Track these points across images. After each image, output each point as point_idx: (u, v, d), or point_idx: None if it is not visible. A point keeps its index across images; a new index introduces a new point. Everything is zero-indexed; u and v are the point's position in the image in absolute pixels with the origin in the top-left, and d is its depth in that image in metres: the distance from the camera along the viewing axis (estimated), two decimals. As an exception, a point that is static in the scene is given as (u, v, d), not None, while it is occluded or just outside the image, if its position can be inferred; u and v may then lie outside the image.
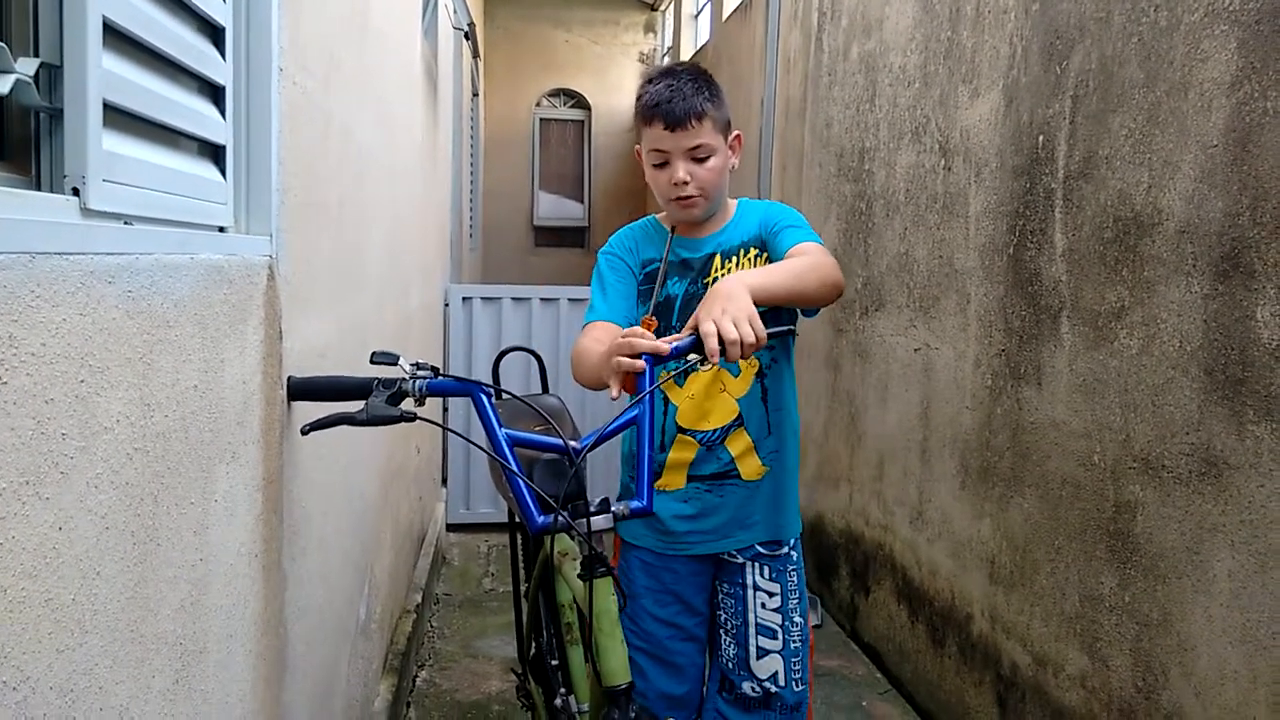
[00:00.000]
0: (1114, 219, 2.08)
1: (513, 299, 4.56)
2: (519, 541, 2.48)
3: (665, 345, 1.46)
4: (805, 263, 1.63)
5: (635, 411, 1.47)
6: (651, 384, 1.44)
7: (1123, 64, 2.05)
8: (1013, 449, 2.48)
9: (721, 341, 1.38)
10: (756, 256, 1.79)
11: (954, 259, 2.80)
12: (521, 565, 2.44)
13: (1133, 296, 2.01)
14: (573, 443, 1.43)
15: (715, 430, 1.82)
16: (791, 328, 1.58)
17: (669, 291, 1.81)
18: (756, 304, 1.45)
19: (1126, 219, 2.04)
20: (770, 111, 4.62)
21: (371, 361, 1.44)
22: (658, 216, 1.89)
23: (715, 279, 1.78)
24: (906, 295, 3.10)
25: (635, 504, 1.44)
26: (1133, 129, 2.02)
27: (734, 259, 1.80)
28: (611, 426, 1.44)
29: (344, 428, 1.88)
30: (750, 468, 1.83)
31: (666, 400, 1.83)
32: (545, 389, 2.50)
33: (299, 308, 1.56)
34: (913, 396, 3.07)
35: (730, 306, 1.43)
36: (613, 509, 1.43)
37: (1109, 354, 2.09)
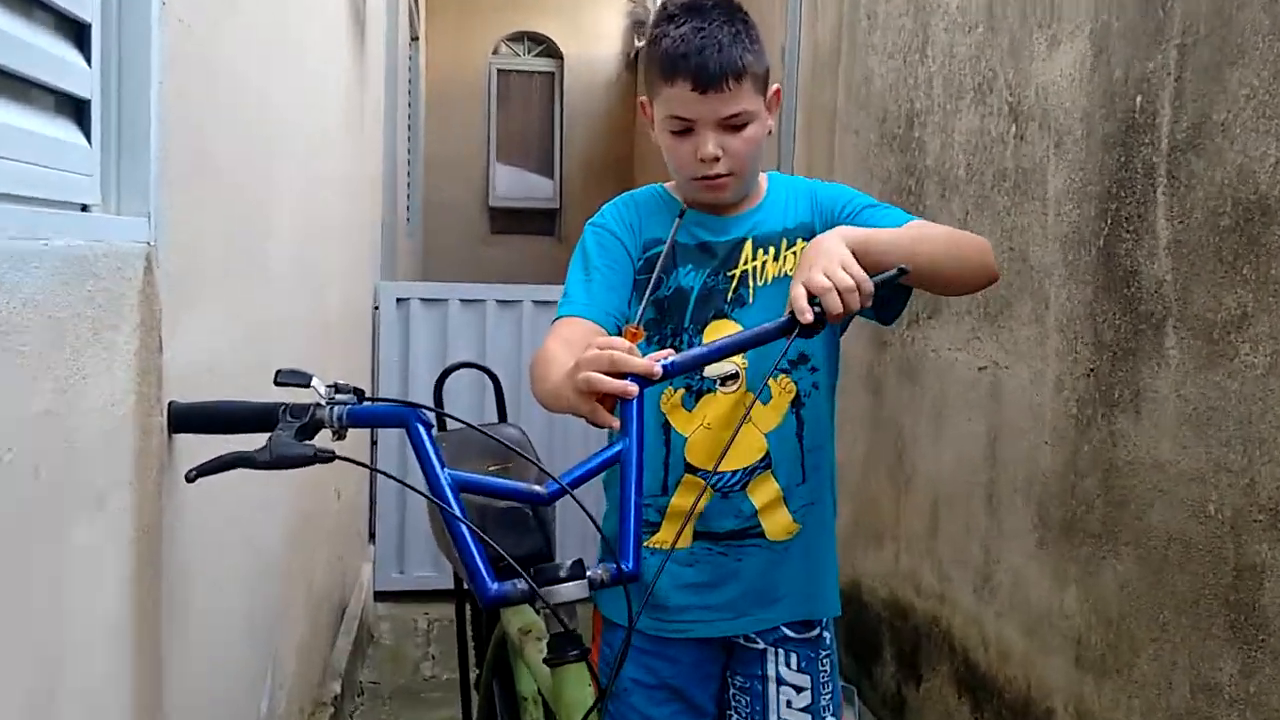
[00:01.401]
0: (1232, 202, 2.07)
1: (461, 301, 4.61)
2: (468, 615, 2.50)
3: (656, 366, 1.47)
4: (942, 230, 1.69)
5: (620, 445, 1.48)
6: (638, 417, 1.45)
7: (1242, 5, 2.05)
8: (1105, 496, 2.48)
9: (813, 299, 1.48)
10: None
11: (1029, 253, 2.80)
12: (471, 646, 2.45)
13: (1257, 301, 2.01)
14: (537, 487, 1.44)
15: (735, 473, 1.81)
16: (903, 270, 1.57)
17: (679, 283, 1.80)
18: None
19: (1249, 202, 2.03)
20: (794, 63, 4.62)
21: (276, 383, 1.46)
22: (668, 186, 1.89)
23: (744, 272, 1.79)
24: (968, 299, 3.10)
25: (618, 567, 1.45)
26: (1256, 87, 2.01)
27: (772, 250, 1.81)
28: (587, 466, 1.45)
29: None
30: (778, 524, 1.83)
31: (669, 428, 1.80)
32: (503, 416, 2.50)
33: (184, 310, 1.56)
34: (976, 428, 3.08)
35: (821, 259, 1.52)
36: (589, 574, 1.44)
37: (1227, 374, 2.09)
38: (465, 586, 2.33)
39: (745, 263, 1.80)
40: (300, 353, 2.62)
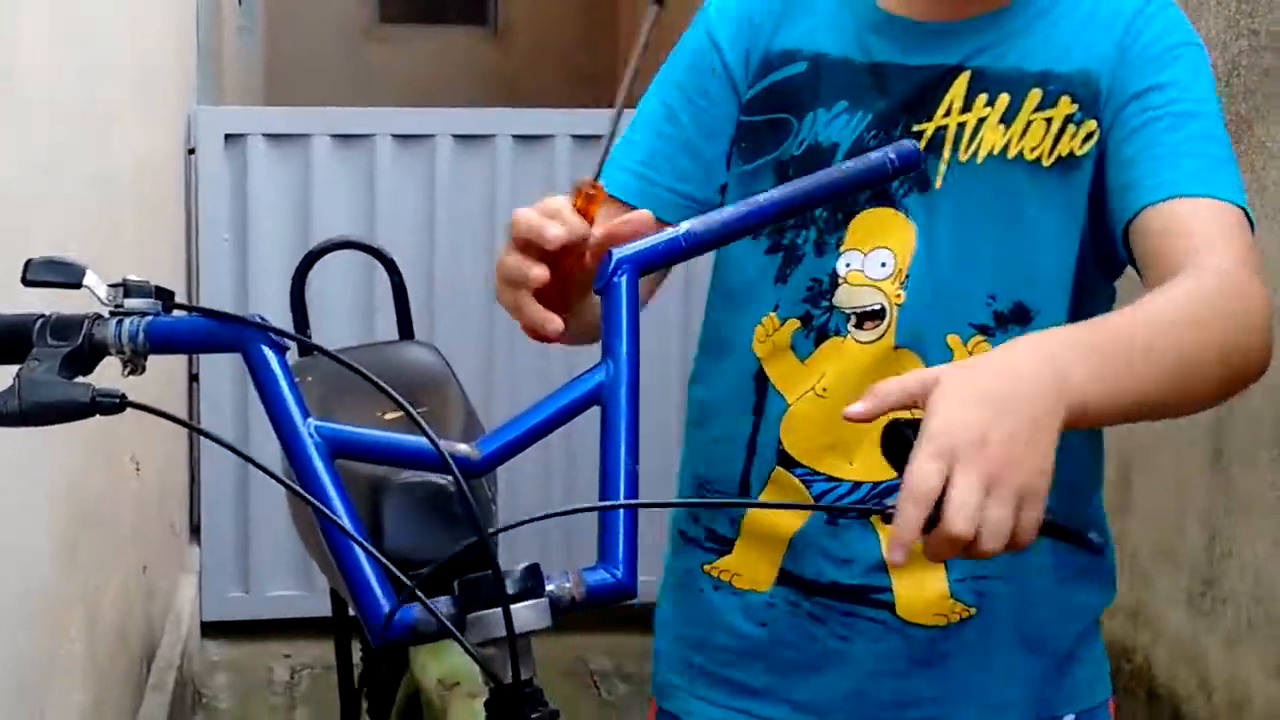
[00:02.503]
0: None
1: (335, 137, 4.47)
2: (356, 658, 2.55)
3: (627, 228, 1.46)
4: (1189, 312, 1.42)
5: (599, 373, 1.46)
6: (629, 317, 1.45)
7: None
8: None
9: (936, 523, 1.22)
10: (1070, 125, 1.58)
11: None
12: (365, 710, 2.49)
13: None
14: (463, 447, 1.43)
15: (857, 486, 1.66)
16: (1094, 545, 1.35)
17: (817, 134, 1.64)
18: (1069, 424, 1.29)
19: None
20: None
21: (25, 280, 1.42)
22: None
23: (940, 130, 1.60)
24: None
25: (598, 575, 1.41)
26: None
27: (1003, 101, 1.60)
28: (541, 412, 1.45)
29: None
30: (920, 597, 1.67)
31: (764, 383, 1.69)
32: (406, 331, 2.54)
33: None
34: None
35: (1010, 447, 1.23)
36: (550, 587, 1.39)
37: None
38: (350, 612, 2.32)
39: (947, 112, 1.61)
40: (65, 234, 2.59)
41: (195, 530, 4.60)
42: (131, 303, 1.43)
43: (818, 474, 1.67)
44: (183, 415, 4.39)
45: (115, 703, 3.19)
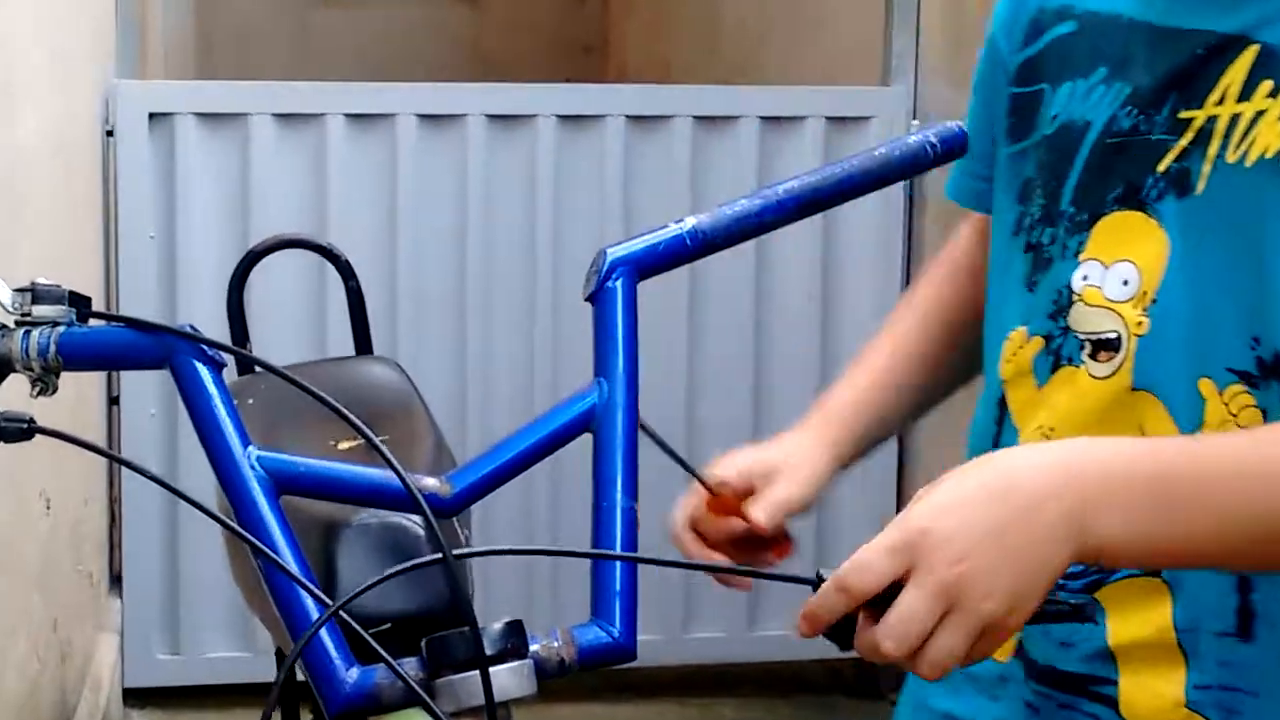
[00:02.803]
0: None
1: (278, 116, 4.44)
2: None
3: (760, 519, 1.66)
4: None
5: (592, 394, 1.48)
6: (625, 336, 1.50)
7: None
8: None
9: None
10: None
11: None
12: None
13: None
14: (431, 481, 1.45)
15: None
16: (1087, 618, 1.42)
17: (1066, 112, 1.63)
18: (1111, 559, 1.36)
19: None
20: None
21: None
22: None
23: (1211, 120, 1.52)
24: None
25: (591, 634, 1.43)
26: None
27: None
28: (528, 439, 1.48)
29: None
30: (1149, 698, 1.60)
31: (1004, 410, 1.69)
32: (363, 344, 2.58)
33: None
34: None
35: (990, 575, 1.25)
36: (535, 647, 1.41)
37: None
38: (300, 677, 2.28)
39: (1221, 98, 1.52)
40: None
41: (116, 580, 4.55)
42: (40, 310, 1.42)
43: None
44: (101, 443, 4.34)
45: None
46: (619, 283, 1.51)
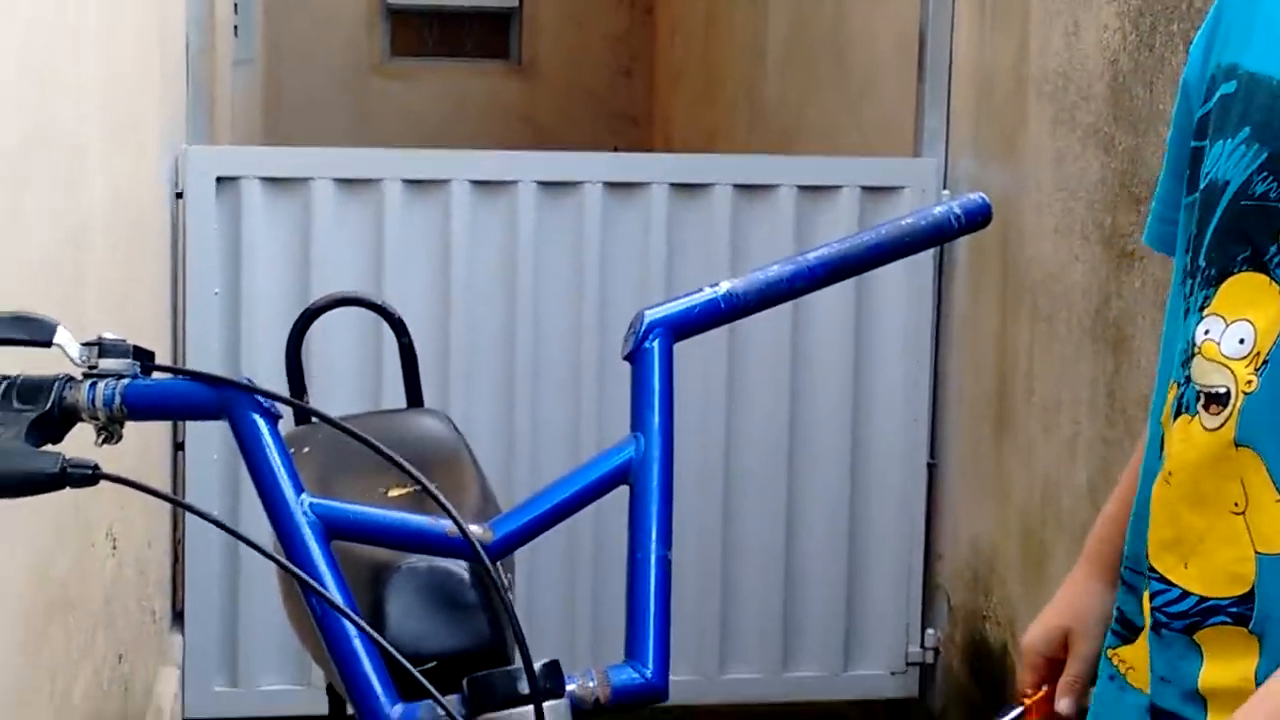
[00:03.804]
0: None
1: (339, 181, 4.40)
2: None
3: None
4: None
5: (628, 452, 1.49)
6: (661, 383, 1.52)
7: None
8: None
9: None
10: None
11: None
12: None
13: None
14: (476, 529, 1.44)
15: (1186, 596, 1.58)
16: None
17: (1212, 172, 1.56)
18: None
19: None
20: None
21: None
22: None
23: None
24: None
25: (625, 674, 1.44)
26: None
27: None
28: (568, 489, 1.48)
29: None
30: None
31: (1163, 447, 1.64)
32: (416, 398, 2.57)
33: None
34: None
35: None
36: (571, 686, 1.42)
37: None
38: (349, 711, 2.32)
39: None
40: (31, 283, 2.55)
41: (178, 617, 4.51)
42: (107, 363, 1.42)
43: (1154, 571, 1.61)
44: (165, 489, 4.31)
45: None
46: (655, 343, 1.52)
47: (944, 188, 4.19)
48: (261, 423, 1.44)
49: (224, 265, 4.35)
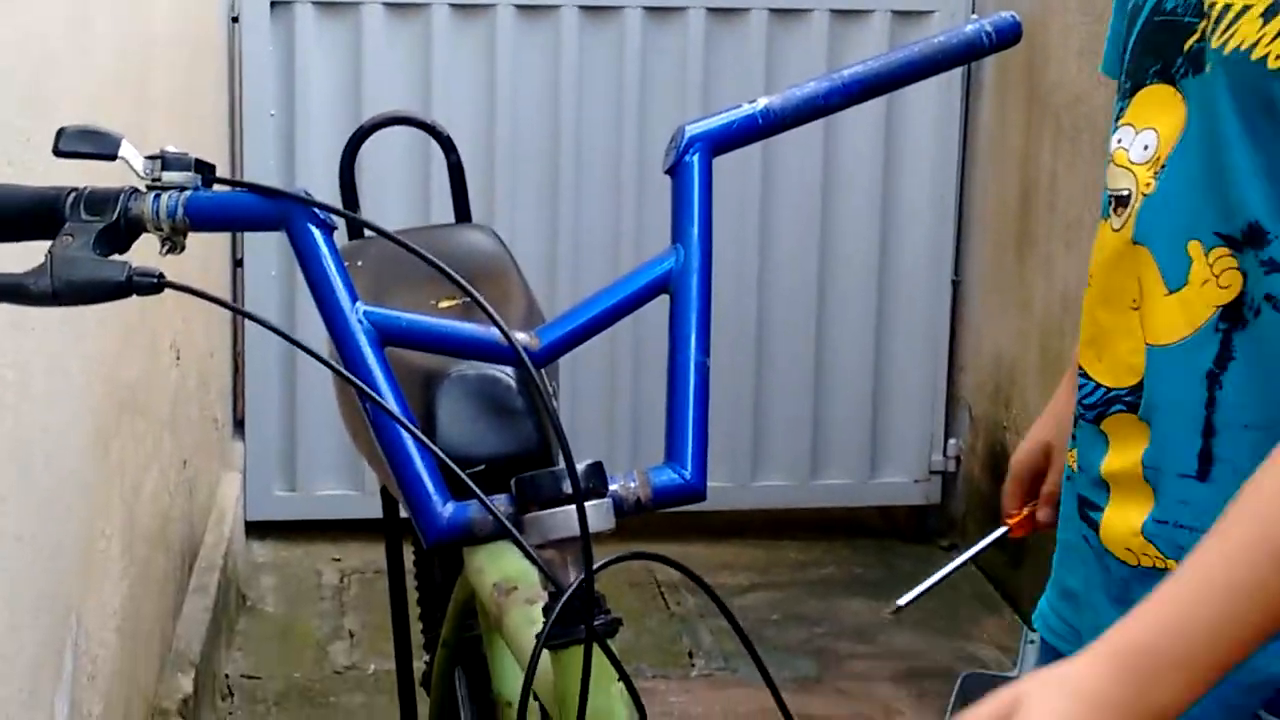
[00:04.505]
0: None
1: (388, 6, 4.39)
2: (405, 559, 2.56)
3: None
4: None
5: (668, 263, 1.48)
6: (699, 178, 1.51)
7: None
8: None
9: None
10: None
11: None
12: (417, 616, 2.50)
13: None
14: (523, 336, 1.44)
15: (1097, 388, 1.62)
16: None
17: None
18: None
19: None
20: None
21: (57, 151, 1.43)
22: None
23: (1219, 7, 1.49)
24: None
25: (665, 475, 1.44)
26: None
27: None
28: (611, 298, 1.47)
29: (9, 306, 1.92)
30: (1118, 526, 1.59)
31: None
32: (463, 213, 2.53)
33: None
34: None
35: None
36: (614, 487, 1.41)
37: None
38: (403, 513, 2.29)
39: (1217, 25, 1.48)
40: (96, 100, 2.55)
41: (239, 425, 4.57)
42: (170, 176, 1.42)
43: (1081, 368, 1.65)
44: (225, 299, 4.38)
45: (154, 605, 3.18)
46: (695, 157, 1.49)
47: (972, 11, 4.15)
48: (318, 234, 1.43)
49: (278, 87, 4.35)
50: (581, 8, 4.22)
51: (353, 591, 4.31)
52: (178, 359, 3.52)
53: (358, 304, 1.42)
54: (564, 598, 1.38)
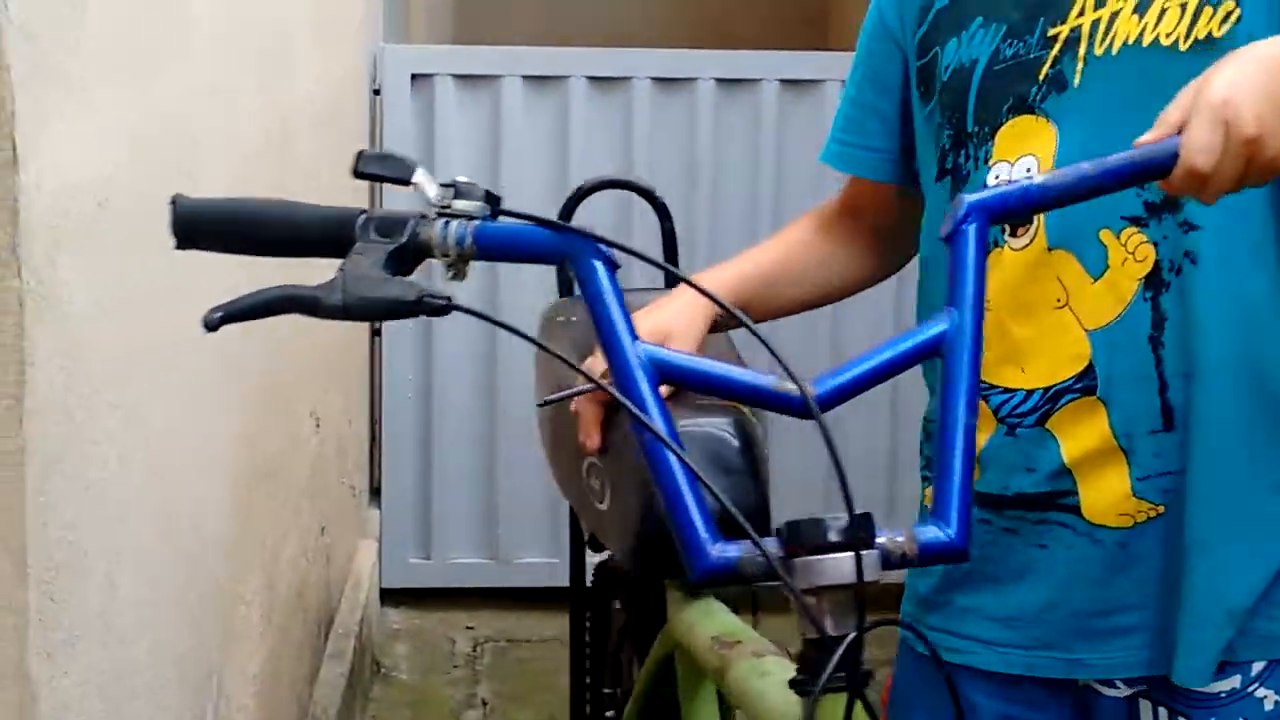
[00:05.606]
0: None
1: (526, 79, 4.46)
2: (586, 620, 2.61)
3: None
4: None
5: (943, 322, 1.49)
6: (976, 261, 1.51)
7: None
8: None
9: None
10: (1206, 6, 1.66)
11: None
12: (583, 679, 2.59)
13: None
14: (790, 386, 1.44)
15: (1030, 394, 1.75)
16: None
17: (957, 58, 1.78)
18: None
19: None
20: None
21: (357, 172, 1.50)
22: None
23: (1075, 30, 1.70)
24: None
25: (930, 533, 1.44)
26: None
27: (1155, 4, 1.68)
28: (880, 357, 1.48)
29: (154, 370, 1.89)
30: (1105, 496, 1.73)
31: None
32: (673, 279, 2.75)
33: (55, 95, 1.59)
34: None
35: (1244, 92, 1.41)
36: (879, 540, 1.41)
37: None
38: (589, 579, 2.50)
39: (1081, 11, 1.69)
40: (243, 169, 2.58)
41: (375, 492, 4.63)
42: (460, 204, 1.46)
43: (994, 387, 1.74)
44: (365, 369, 4.37)
45: (291, 670, 3.20)
46: (971, 226, 1.52)
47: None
48: (601, 269, 1.47)
49: (418, 156, 4.32)
50: (718, 80, 4.33)
51: (486, 660, 4.33)
52: (317, 427, 3.56)
53: (637, 342, 1.45)
54: (843, 645, 1.39)
